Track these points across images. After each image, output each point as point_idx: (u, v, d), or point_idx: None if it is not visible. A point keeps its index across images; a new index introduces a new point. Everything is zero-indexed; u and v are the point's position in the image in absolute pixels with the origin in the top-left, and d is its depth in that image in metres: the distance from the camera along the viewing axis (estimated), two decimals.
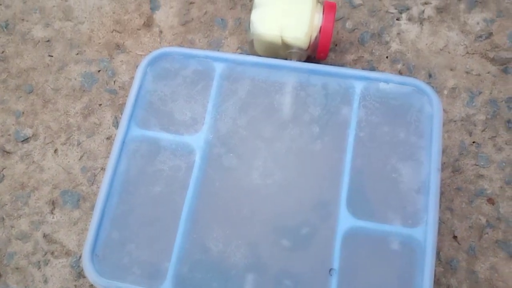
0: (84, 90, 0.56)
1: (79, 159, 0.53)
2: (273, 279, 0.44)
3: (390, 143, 0.47)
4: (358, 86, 0.49)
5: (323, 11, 0.52)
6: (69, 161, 0.53)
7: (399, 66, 0.56)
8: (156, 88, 0.50)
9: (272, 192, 0.46)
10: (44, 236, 0.50)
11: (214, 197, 0.46)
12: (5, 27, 0.59)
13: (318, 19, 0.51)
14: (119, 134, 0.48)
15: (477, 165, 0.52)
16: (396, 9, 0.58)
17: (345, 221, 0.45)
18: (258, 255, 0.44)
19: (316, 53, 0.53)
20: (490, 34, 0.57)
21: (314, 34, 0.51)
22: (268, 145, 0.48)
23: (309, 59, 0.54)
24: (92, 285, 0.48)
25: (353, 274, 0.43)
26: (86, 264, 0.43)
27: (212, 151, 0.48)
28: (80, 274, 0.49)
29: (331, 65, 0.56)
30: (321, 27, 0.51)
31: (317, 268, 0.44)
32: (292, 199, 0.46)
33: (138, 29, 0.58)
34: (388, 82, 0.49)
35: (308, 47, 0.52)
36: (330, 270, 0.43)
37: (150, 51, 0.52)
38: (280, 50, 0.53)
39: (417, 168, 0.46)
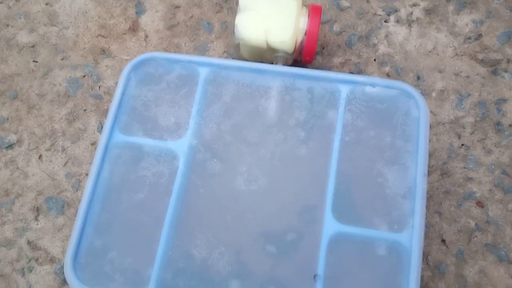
0: (69, 96, 0.55)
1: (64, 165, 0.53)
2: (258, 285, 0.43)
3: (376, 147, 0.47)
4: (344, 90, 0.49)
5: (309, 15, 0.51)
6: (53, 167, 0.53)
7: (387, 68, 0.55)
8: (140, 93, 0.49)
9: (256, 197, 0.46)
10: (28, 242, 0.50)
11: (197, 204, 0.46)
12: None
13: (303, 23, 0.51)
14: (102, 140, 0.47)
15: (466, 168, 0.51)
16: (384, 11, 0.58)
17: (331, 226, 0.44)
18: (243, 262, 0.44)
19: (302, 56, 0.52)
20: (479, 35, 0.56)
21: (300, 38, 0.51)
22: (252, 150, 0.47)
23: (296, 63, 0.54)
24: None
25: (339, 279, 0.43)
26: (68, 272, 0.43)
27: (196, 157, 0.47)
28: (65, 281, 0.49)
29: (318, 68, 0.55)
30: (306, 30, 0.51)
31: (302, 274, 0.43)
32: (277, 204, 0.46)
33: (124, 34, 0.58)
34: (374, 85, 0.48)
35: (294, 51, 0.51)
36: (315, 276, 0.43)
37: (136, 56, 0.52)
38: (266, 54, 0.52)
39: (403, 172, 0.46)
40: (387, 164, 0.46)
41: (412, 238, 0.43)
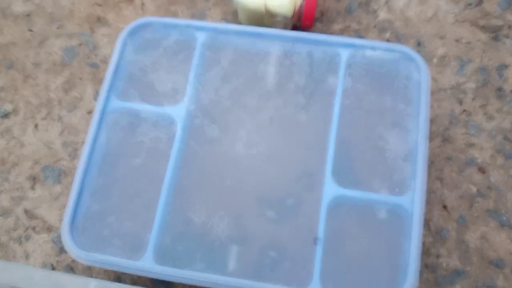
0: (65, 65, 0.55)
1: (60, 134, 0.52)
2: (258, 250, 0.43)
3: (376, 111, 0.46)
4: (344, 54, 0.48)
5: None
6: (50, 136, 0.52)
7: (387, 35, 0.54)
8: (137, 59, 0.49)
9: (256, 162, 0.45)
10: (25, 211, 0.49)
11: (196, 168, 0.45)
12: None
13: None
14: (98, 106, 0.46)
15: (467, 133, 0.51)
16: None
17: (331, 190, 0.43)
18: (242, 227, 0.43)
19: (301, 21, 0.51)
20: (480, 1, 0.55)
21: (299, 1, 0.50)
22: (251, 115, 0.47)
23: (295, 28, 0.53)
24: (74, 260, 0.47)
25: (339, 243, 0.42)
26: (65, 237, 0.42)
27: (194, 122, 0.46)
28: (62, 249, 0.48)
29: None
30: None
31: (302, 238, 0.43)
32: (277, 169, 0.45)
33: (120, 2, 0.57)
34: (374, 49, 0.48)
35: (293, 14, 0.50)
36: (315, 239, 0.42)
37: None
38: (265, 19, 0.51)
39: (404, 135, 0.45)
40: (388, 127, 0.45)
41: (413, 201, 0.42)
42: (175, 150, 0.45)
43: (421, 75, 0.46)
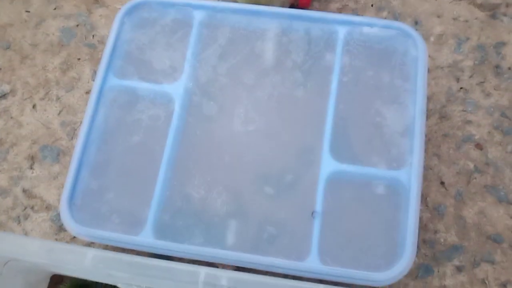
0: (62, 45, 0.55)
1: (58, 114, 0.52)
2: (256, 225, 0.43)
3: (374, 87, 0.46)
4: (342, 31, 0.48)
5: None
6: (48, 116, 0.52)
7: (384, 14, 0.55)
8: (134, 38, 0.49)
9: (254, 139, 0.45)
10: (24, 191, 0.49)
11: (194, 145, 0.45)
12: None
13: None
14: (96, 84, 0.46)
15: (464, 111, 0.51)
16: None
17: (328, 165, 0.44)
18: (241, 202, 0.43)
19: (299, 0, 0.51)
20: None
21: None
22: (249, 92, 0.47)
23: (292, 7, 0.53)
24: (74, 237, 0.47)
25: (337, 217, 0.42)
26: (64, 213, 0.42)
27: (191, 100, 0.47)
28: (61, 228, 0.48)
29: None
30: None
31: (300, 213, 0.43)
32: (275, 146, 0.45)
33: None
34: (372, 26, 0.48)
35: None
36: (313, 212, 0.42)
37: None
38: None
39: (401, 111, 0.45)
40: (386, 103, 0.45)
41: (410, 175, 0.43)
42: (173, 127, 0.45)
43: (418, 51, 0.46)
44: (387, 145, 0.44)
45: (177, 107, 0.46)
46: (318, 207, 0.42)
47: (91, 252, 0.32)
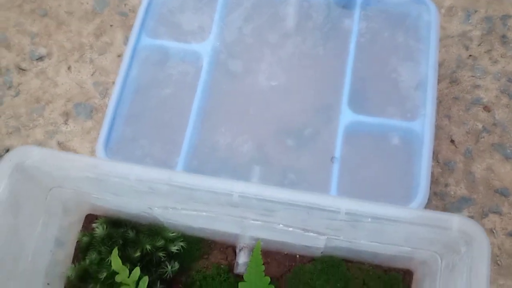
0: (96, 13, 0.58)
1: (92, 75, 0.55)
2: (278, 172, 0.46)
3: (389, 47, 0.49)
4: None
5: None
6: (82, 77, 0.55)
7: None
8: (166, 1, 0.52)
9: (276, 94, 0.48)
10: (59, 144, 0.53)
11: (221, 98, 0.49)
12: None
13: None
14: (130, 43, 0.50)
15: (473, 76, 0.54)
16: None
17: (347, 117, 0.47)
18: (264, 151, 0.46)
19: None
20: None
21: None
22: (272, 51, 0.50)
23: None
24: None
25: (355, 165, 0.45)
26: (100, 156, 0.46)
27: (218, 57, 0.50)
28: None
29: None
30: None
31: (320, 162, 0.46)
32: (296, 101, 0.48)
33: None
34: None
35: None
36: (332, 158, 0.45)
37: None
38: None
39: (415, 68, 0.48)
40: (400, 61, 0.49)
41: (424, 125, 0.46)
42: (201, 81, 0.49)
43: (431, 15, 0.49)
44: (402, 98, 0.47)
45: (205, 64, 0.49)
46: (337, 153, 0.45)
47: (136, 167, 0.35)
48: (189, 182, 0.34)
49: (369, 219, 0.34)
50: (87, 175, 0.36)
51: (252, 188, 0.35)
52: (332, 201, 0.34)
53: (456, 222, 0.33)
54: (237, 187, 0.35)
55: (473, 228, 0.33)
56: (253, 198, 0.35)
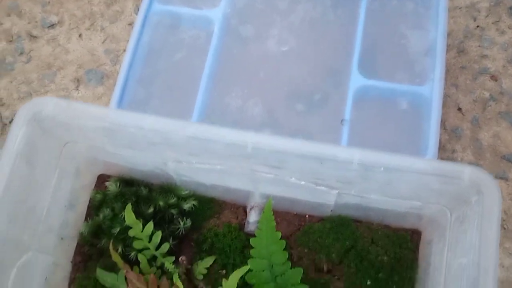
0: None
1: (103, 42, 0.56)
2: (288, 134, 0.46)
3: (399, 14, 0.50)
4: None
5: None
6: (93, 44, 0.56)
7: None
8: None
9: (286, 59, 0.49)
10: None
11: (232, 63, 0.49)
12: None
13: None
14: (142, 8, 0.50)
15: (480, 46, 0.54)
16: None
17: (357, 81, 0.47)
18: (274, 115, 0.47)
19: None
20: None
21: None
22: (283, 16, 0.51)
23: None
24: None
25: (364, 127, 0.46)
26: None
27: (230, 23, 0.51)
28: None
29: None
30: None
31: (329, 124, 0.46)
32: (306, 65, 0.49)
33: None
34: None
35: None
36: (342, 120, 0.46)
37: None
38: None
39: (424, 34, 0.49)
40: (410, 28, 0.49)
41: (433, 89, 0.46)
42: (213, 45, 0.49)
43: None
44: (411, 63, 0.48)
45: (216, 29, 0.50)
46: (347, 117, 0.46)
47: (150, 117, 0.35)
48: (203, 132, 0.35)
49: (382, 168, 0.34)
50: (102, 125, 0.36)
51: (266, 139, 0.35)
52: (345, 151, 0.35)
53: (468, 172, 0.34)
54: (251, 138, 0.35)
55: (484, 177, 0.33)
56: (267, 150, 0.35)
